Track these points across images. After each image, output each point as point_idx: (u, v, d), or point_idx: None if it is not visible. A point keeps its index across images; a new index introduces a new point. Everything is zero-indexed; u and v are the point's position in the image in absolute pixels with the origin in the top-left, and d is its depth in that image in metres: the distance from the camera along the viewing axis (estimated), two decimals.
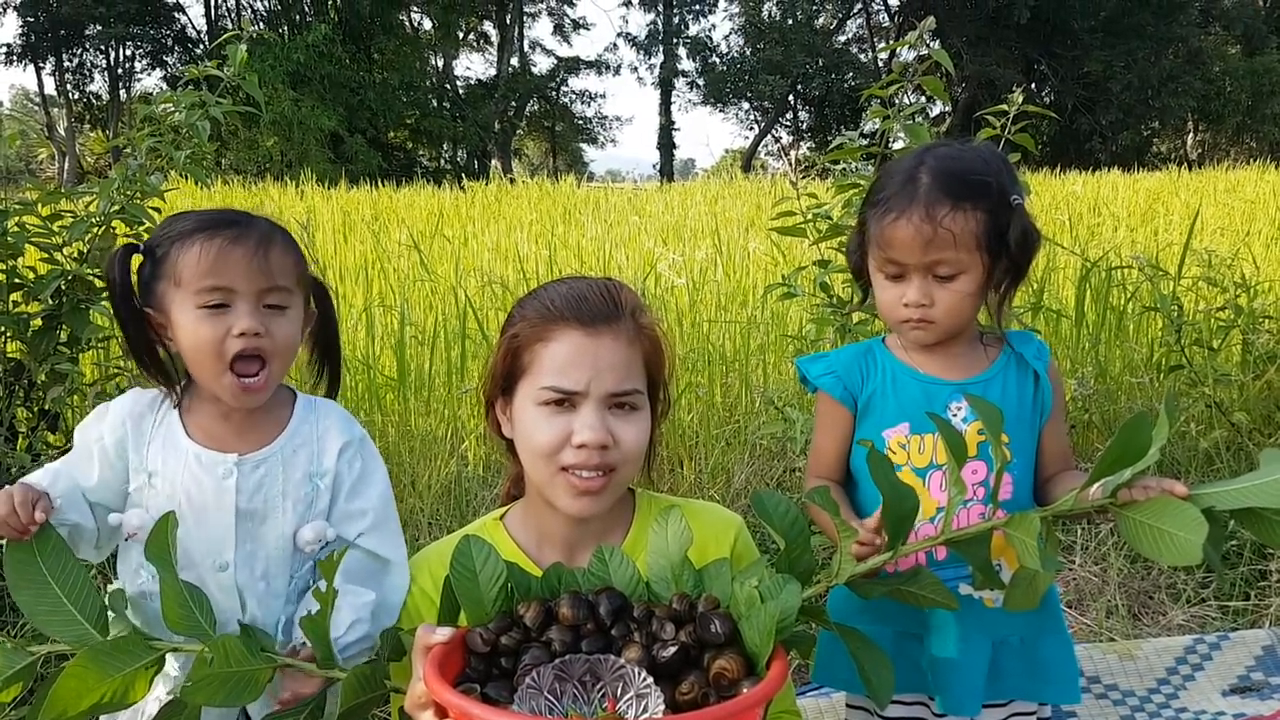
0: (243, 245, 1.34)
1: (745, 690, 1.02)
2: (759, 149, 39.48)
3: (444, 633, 1.11)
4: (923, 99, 3.05)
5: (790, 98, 37.83)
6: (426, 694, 1.06)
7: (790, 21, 36.49)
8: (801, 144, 38.20)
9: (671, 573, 1.22)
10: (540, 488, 1.36)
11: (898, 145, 2.85)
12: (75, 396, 2.99)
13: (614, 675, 1.07)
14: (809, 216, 3.09)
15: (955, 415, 1.53)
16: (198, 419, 1.42)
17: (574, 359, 1.32)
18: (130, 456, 1.39)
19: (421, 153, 36.84)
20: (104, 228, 2.89)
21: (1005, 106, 3.09)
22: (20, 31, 33.21)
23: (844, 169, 3.20)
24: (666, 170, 39.24)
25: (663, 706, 1.03)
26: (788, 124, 40.24)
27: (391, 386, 4.09)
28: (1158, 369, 3.89)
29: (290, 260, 1.40)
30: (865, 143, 2.90)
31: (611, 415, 1.32)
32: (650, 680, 1.05)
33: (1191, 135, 35.68)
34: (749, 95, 38.50)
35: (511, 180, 17.48)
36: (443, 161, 36.70)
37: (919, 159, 1.50)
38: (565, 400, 1.31)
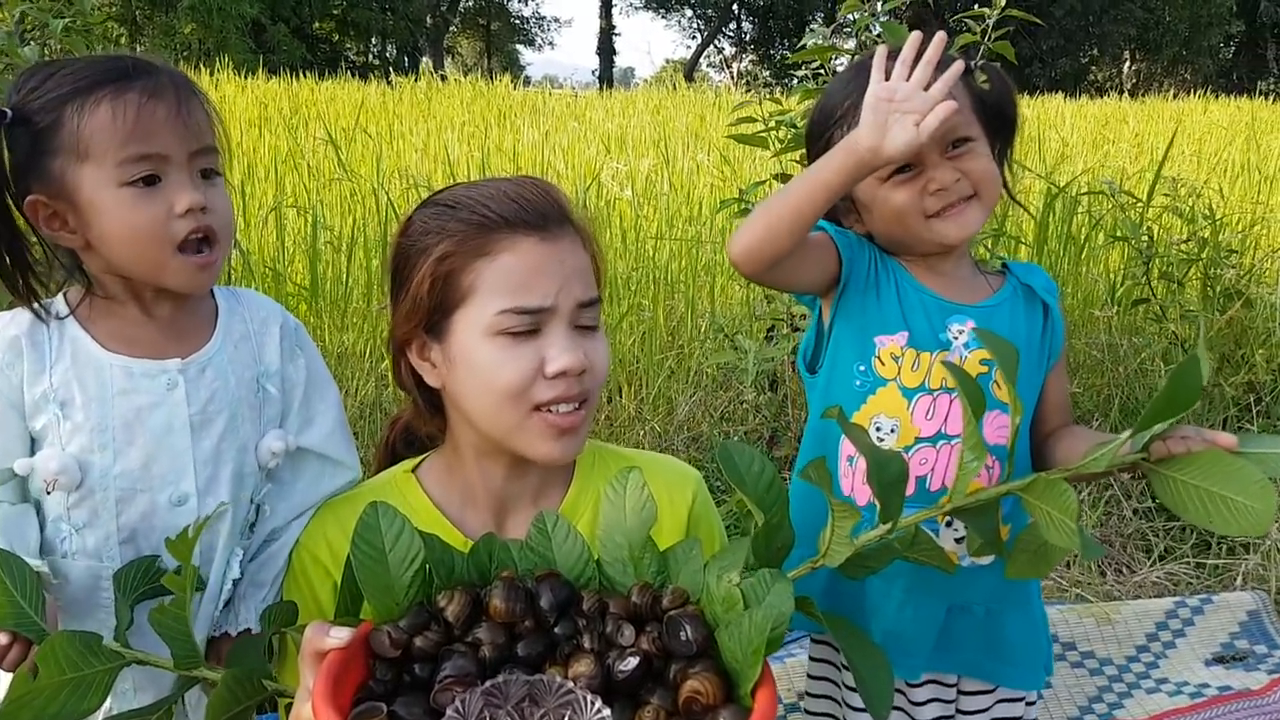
0: (164, 100, 1.07)
1: None
2: (700, 60, 38.69)
3: (341, 634, 0.87)
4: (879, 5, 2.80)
5: (734, 7, 36.99)
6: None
7: None
8: (744, 56, 37.51)
9: (630, 554, 0.98)
10: (503, 439, 1.11)
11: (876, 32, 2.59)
12: None
13: (559, 700, 0.83)
14: (771, 124, 2.82)
15: (957, 338, 1.33)
16: (109, 326, 1.13)
17: (537, 268, 1.07)
18: (26, 391, 1.09)
19: (348, 46, 35.20)
20: None
21: (987, 11, 2.85)
22: None
23: (806, 74, 2.96)
24: (606, 77, 38.24)
25: None
26: (730, 35, 39.42)
27: (304, 297, 3.74)
28: (1118, 303, 3.73)
29: (211, 111, 1.15)
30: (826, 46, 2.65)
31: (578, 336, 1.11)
32: (605, 712, 0.81)
33: (1128, 64, 35.89)
34: (692, 2, 37.56)
35: (443, 78, 16.67)
36: (370, 56, 35.21)
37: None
38: (531, 322, 1.07)
